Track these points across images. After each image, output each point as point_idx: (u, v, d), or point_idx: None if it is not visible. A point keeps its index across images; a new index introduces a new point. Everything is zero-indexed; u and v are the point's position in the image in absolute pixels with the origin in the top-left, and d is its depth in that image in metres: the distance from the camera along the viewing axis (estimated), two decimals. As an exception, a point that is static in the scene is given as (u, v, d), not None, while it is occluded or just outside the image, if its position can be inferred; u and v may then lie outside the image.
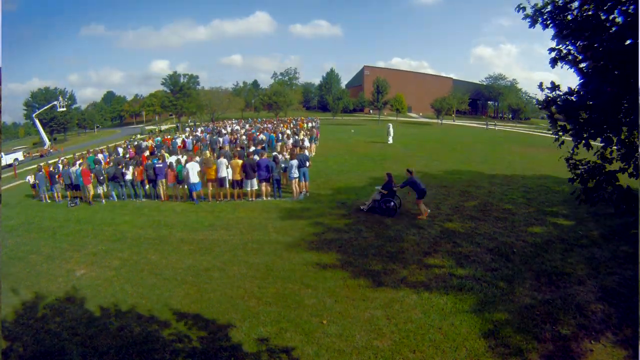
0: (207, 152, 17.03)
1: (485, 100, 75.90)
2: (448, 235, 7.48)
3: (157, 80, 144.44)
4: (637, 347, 4.00)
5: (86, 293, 6.07)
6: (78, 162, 13.99)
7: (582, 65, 4.12)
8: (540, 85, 4.36)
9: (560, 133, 4.39)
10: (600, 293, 5.15)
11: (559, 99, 4.29)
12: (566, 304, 4.92)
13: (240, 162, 10.90)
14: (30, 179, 14.83)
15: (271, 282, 6.02)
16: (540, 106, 4.55)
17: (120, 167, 12.30)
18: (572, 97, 4.19)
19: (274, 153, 11.78)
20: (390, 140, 24.57)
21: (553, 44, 4.32)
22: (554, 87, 4.31)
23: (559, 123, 4.40)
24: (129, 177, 12.13)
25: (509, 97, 68.13)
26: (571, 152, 4.51)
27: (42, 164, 16.70)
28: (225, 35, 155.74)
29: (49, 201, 13.25)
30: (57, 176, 13.31)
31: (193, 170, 10.97)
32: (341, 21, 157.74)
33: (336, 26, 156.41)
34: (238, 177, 10.92)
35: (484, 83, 72.72)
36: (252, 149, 13.81)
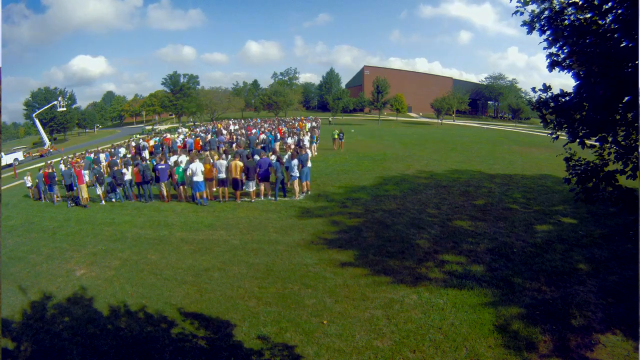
0: (210, 152, 16.98)
1: (485, 100, 75.87)
2: (448, 235, 7.47)
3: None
4: (638, 347, 4.00)
5: (86, 293, 6.08)
6: (75, 162, 14.00)
7: (577, 69, 4.14)
8: (534, 89, 4.46)
9: (556, 129, 4.42)
10: (600, 293, 5.14)
11: (551, 101, 4.33)
12: (566, 304, 4.91)
13: (240, 163, 10.87)
14: (28, 180, 14.81)
15: (271, 282, 6.02)
16: (532, 107, 4.62)
17: (117, 168, 12.29)
18: (565, 99, 4.22)
19: (273, 155, 11.75)
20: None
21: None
22: (546, 88, 4.35)
23: (552, 120, 4.45)
24: (127, 177, 12.12)
25: (509, 97, 68.11)
26: (566, 148, 4.53)
27: (42, 164, 16.70)
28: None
29: (48, 202, 13.27)
30: (55, 178, 13.30)
31: (196, 170, 10.96)
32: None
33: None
34: (238, 177, 10.88)
35: (484, 83, 72.72)
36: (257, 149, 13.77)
